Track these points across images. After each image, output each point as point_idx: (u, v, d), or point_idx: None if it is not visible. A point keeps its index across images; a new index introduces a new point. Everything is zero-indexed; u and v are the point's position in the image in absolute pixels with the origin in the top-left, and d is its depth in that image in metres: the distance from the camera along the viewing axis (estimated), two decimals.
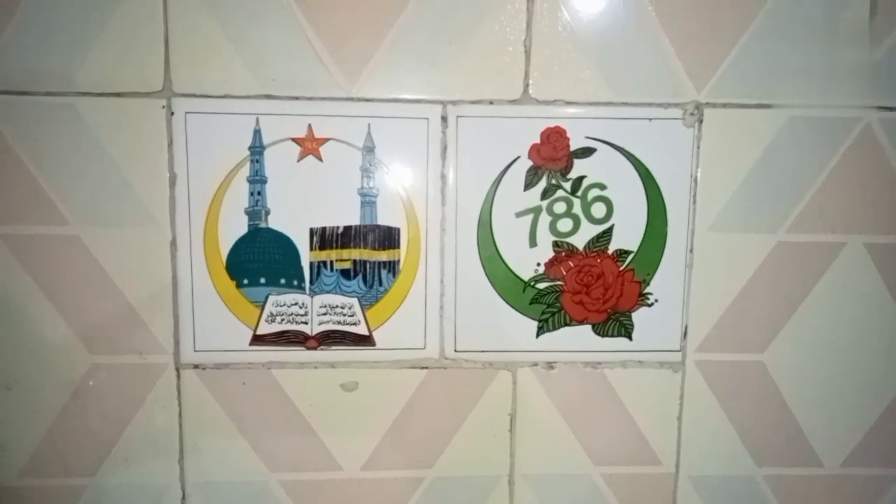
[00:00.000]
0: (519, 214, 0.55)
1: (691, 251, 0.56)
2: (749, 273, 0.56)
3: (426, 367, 0.56)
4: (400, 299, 0.55)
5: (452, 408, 0.56)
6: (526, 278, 0.55)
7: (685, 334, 0.57)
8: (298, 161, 0.53)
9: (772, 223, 0.56)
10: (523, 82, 0.53)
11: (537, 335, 0.56)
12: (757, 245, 0.56)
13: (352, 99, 0.53)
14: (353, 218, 0.54)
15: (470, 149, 0.54)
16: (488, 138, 0.53)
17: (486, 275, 0.55)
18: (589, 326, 0.56)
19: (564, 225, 0.55)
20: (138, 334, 0.54)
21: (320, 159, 0.53)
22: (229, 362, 0.54)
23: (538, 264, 0.55)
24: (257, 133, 0.52)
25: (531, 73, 0.53)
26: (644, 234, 0.55)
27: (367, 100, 0.53)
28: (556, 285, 0.55)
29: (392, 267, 0.54)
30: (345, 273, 0.54)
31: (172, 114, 0.52)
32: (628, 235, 0.55)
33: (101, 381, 0.54)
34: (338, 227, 0.54)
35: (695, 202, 0.55)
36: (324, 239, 0.54)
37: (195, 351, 0.54)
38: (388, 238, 0.54)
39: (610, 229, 0.55)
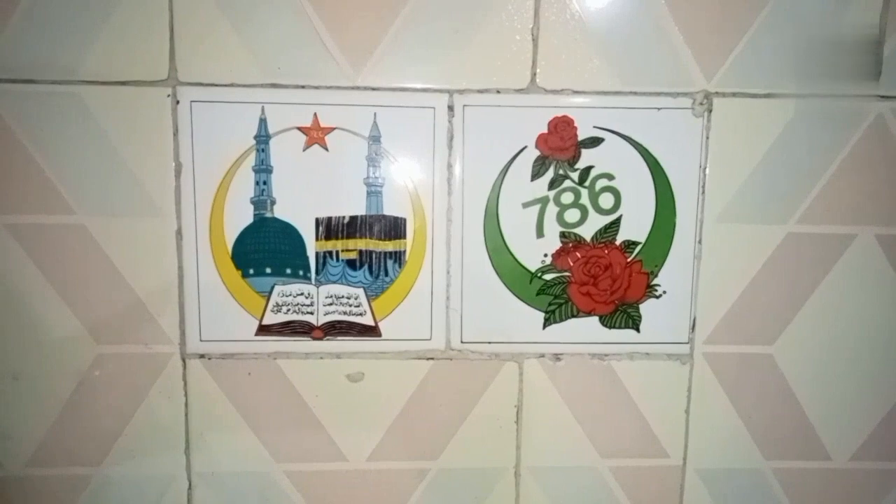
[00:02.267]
0: (526, 205, 0.54)
1: (700, 242, 0.55)
2: (758, 265, 0.56)
3: (432, 359, 0.55)
4: (406, 290, 0.54)
5: (458, 399, 0.56)
6: (533, 269, 0.55)
7: (693, 326, 0.56)
8: (304, 150, 0.52)
9: (781, 214, 0.55)
10: (531, 71, 0.53)
11: (544, 326, 0.56)
12: (766, 236, 0.55)
13: (357, 88, 0.52)
14: (359, 208, 0.53)
15: (476, 138, 0.53)
16: (495, 128, 0.53)
17: (493, 265, 0.55)
18: (596, 318, 0.56)
19: (572, 215, 0.54)
20: (144, 324, 0.54)
21: (326, 149, 0.53)
22: (235, 352, 0.54)
23: (545, 255, 0.55)
24: (263, 122, 0.52)
25: (539, 62, 0.53)
26: (652, 225, 0.55)
27: (372, 89, 0.52)
28: (563, 276, 0.55)
29: (398, 257, 0.54)
30: (351, 263, 0.54)
31: (178, 103, 0.51)
32: (636, 226, 0.55)
33: (106, 371, 0.54)
34: (343, 217, 0.53)
35: (703, 193, 0.55)
36: (329, 229, 0.53)
37: (201, 341, 0.54)
38: (395, 228, 0.54)
39: (618, 220, 0.55)
